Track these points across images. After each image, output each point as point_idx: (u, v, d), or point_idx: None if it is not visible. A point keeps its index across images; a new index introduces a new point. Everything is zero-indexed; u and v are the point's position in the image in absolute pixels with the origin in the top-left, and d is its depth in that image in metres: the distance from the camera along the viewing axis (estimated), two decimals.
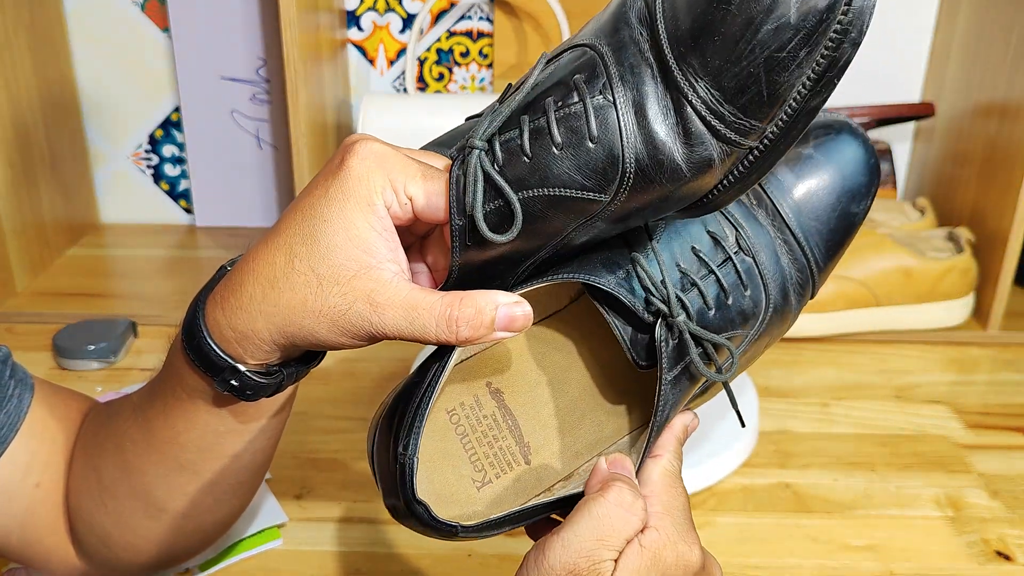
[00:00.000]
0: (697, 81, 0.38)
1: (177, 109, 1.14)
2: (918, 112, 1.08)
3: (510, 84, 0.43)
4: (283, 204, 1.17)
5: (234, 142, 1.14)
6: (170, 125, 1.15)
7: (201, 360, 0.45)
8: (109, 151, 1.16)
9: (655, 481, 0.45)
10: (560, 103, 0.40)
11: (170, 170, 1.18)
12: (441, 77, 1.12)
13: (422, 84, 1.13)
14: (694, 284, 0.46)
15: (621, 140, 0.39)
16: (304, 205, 0.42)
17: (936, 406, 0.83)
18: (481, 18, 1.09)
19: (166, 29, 1.10)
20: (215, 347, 0.44)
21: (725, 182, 0.41)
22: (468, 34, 1.10)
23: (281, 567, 0.63)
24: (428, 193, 0.41)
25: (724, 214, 0.49)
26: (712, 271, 0.47)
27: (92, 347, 0.86)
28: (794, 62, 0.38)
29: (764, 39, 0.37)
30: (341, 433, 0.77)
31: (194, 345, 0.45)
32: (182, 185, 1.18)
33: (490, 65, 1.11)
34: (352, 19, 1.10)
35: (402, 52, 1.12)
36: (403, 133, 1.02)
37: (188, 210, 1.19)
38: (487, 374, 0.49)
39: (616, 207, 0.41)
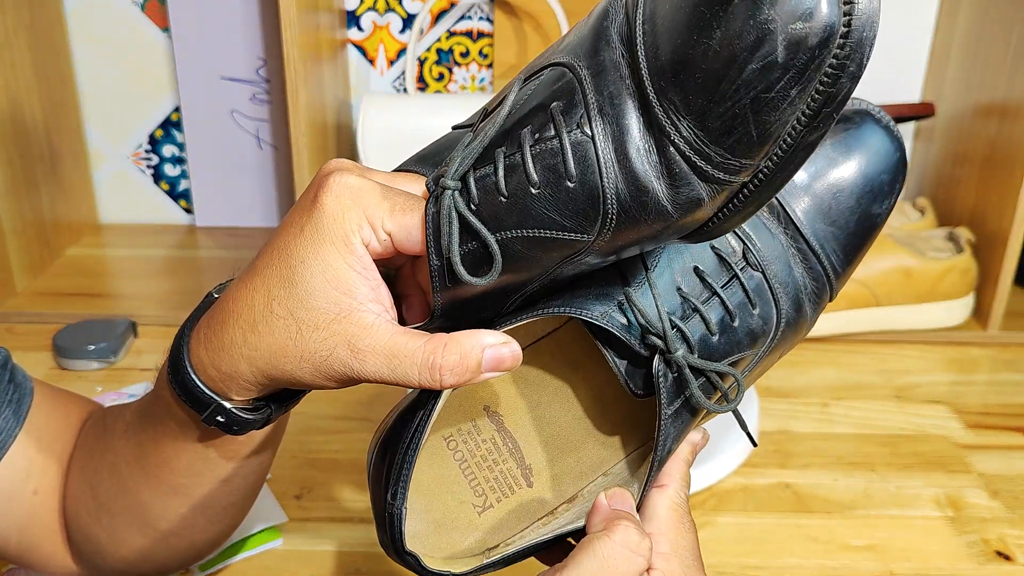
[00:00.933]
0: (680, 120, 0.35)
1: (177, 109, 1.14)
2: (918, 112, 1.08)
3: (485, 108, 0.41)
4: (283, 204, 1.17)
5: (234, 142, 1.14)
6: (170, 125, 1.15)
7: (187, 396, 0.43)
8: (109, 151, 1.16)
9: (661, 517, 0.43)
10: (536, 135, 0.37)
11: (170, 170, 1.18)
12: (441, 77, 1.12)
13: (422, 84, 1.13)
14: (695, 310, 0.43)
15: (601, 180, 0.36)
16: (280, 244, 0.40)
17: (936, 406, 0.83)
18: (481, 18, 1.09)
19: (166, 29, 1.10)
20: (200, 384, 0.43)
21: (721, 214, 0.38)
22: (468, 34, 1.10)
23: (281, 567, 0.63)
24: (406, 228, 0.39)
25: None
26: (716, 293, 0.44)
27: (92, 347, 0.86)
28: (785, 101, 0.34)
29: (750, 79, 0.33)
30: (341, 433, 0.77)
31: (179, 380, 0.44)
32: (182, 185, 1.18)
33: (490, 65, 1.11)
34: (352, 19, 1.10)
35: (402, 52, 1.12)
36: (403, 133, 1.02)
37: (188, 210, 1.19)
38: (484, 398, 0.48)
39: (602, 245, 0.38)
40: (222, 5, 1.07)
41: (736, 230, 0.46)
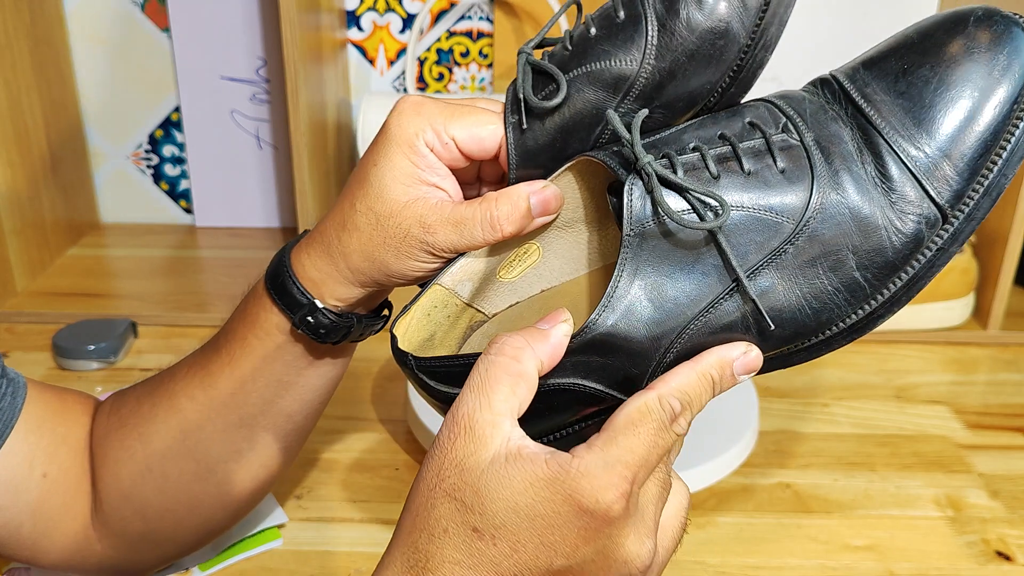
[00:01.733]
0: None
1: (177, 109, 1.14)
2: None
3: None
4: (283, 204, 1.17)
5: (234, 142, 1.14)
6: (170, 125, 1.15)
7: (283, 298, 0.50)
8: (109, 151, 1.16)
9: (616, 420, 0.38)
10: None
11: (170, 170, 1.18)
12: (441, 77, 1.12)
13: (422, 84, 1.13)
14: (697, 149, 0.41)
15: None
16: (361, 160, 0.48)
17: (936, 406, 0.84)
18: (481, 18, 1.09)
19: (166, 29, 1.10)
20: (298, 285, 0.50)
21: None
22: (468, 34, 1.10)
23: (281, 567, 0.63)
24: (468, 130, 0.46)
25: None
26: (729, 140, 0.41)
27: (92, 347, 0.86)
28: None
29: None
30: (341, 433, 0.77)
31: (278, 284, 0.51)
32: (182, 185, 1.18)
33: (490, 65, 1.11)
34: (352, 19, 1.10)
35: (402, 52, 1.12)
36: None
37: (188, 210, 1.19)
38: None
39: (647, 72, 0.44)
40: (222, 5, 1.07)
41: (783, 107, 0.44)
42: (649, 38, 0.42)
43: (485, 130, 0.46)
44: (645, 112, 0.41)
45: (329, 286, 0.49)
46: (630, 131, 0.40)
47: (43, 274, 1.04)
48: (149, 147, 1.16)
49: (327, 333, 0.50)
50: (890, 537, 0.67)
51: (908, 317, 0.93)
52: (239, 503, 0.57)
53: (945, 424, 0.81)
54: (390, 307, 0.54)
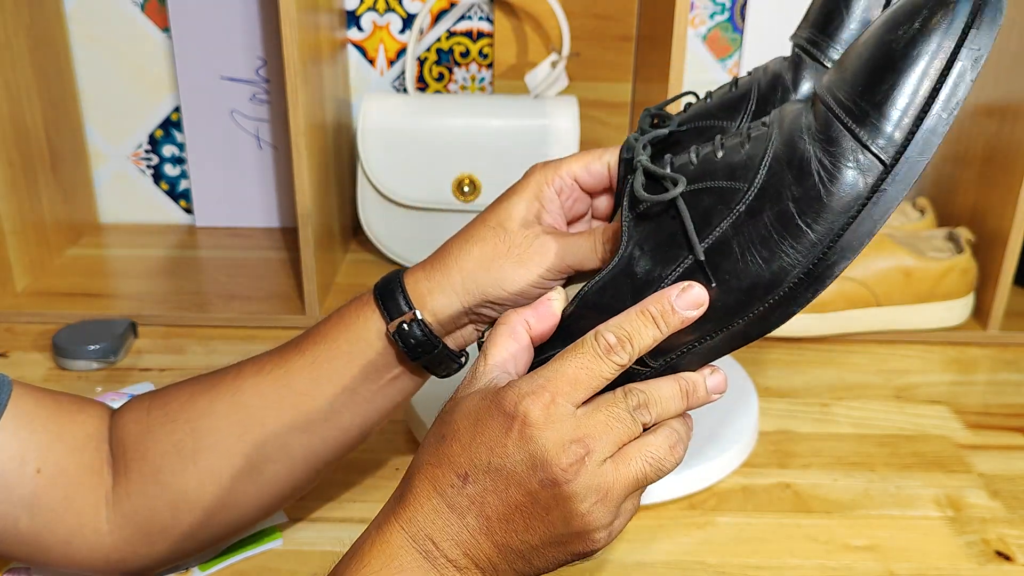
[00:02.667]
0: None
1: (177, 109, 1.14)
2: None
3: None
4: (283, 204, 1.17)
5: (234, 142, 1.14)
6: (170, 125, 1.15)
7: (387, 303, 0.55)
8: (109, 151, 1.16)
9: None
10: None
11: (170, 170, 1.18)
12: (441, 77, 1.12)
13: (422, 84, 1.13)
14: (695, 149, 0.48)
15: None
16: (495, 200, 0.55)
17: (936, 406, 0.84)
18: (481, 18, 1.09)
19: (166, 29, 1.10)
20: (405, 293, 0.55)
21: None
22: (468, 34, 1.10)
23: (281, 567, 0.63)
24: (585, 167, 0.54)
25: None
26: (720, 138, 0.48)
27: (92, 347, 0.86)
28: None
29: None
30: None
31: (387, 291, 0.55)
32: (182, 185, 1.18)
33: (490, 65, 1.11)
34: (352, 19, 1.10)
35: (402, 52, 1.12)
36: (403, 133, 1.02)
37: (188, 210, 1.19)
38: None
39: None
40: (222, 5, 1.07)
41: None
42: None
43: (599, 162, 0.54)
44: (664, 131, 0.52)
45: (434, 296, 0.54)
46: (641, 137, 0.50)
47: (43, 274, 1.04)
48: (149, 147, 1.16)
49: (415, 346, 0.55)
50: (890, 537, 0.67)
51: (908, 317, 0.93)
52: (271, 507, 0.58)
53: (945, 424, 0.81)
54: (467, 356, 0.59)
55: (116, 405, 0.77)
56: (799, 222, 0.43)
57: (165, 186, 1.18)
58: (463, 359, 0.59)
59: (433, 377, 0.59)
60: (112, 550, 0.55)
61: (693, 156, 0.47)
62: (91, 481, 0.55)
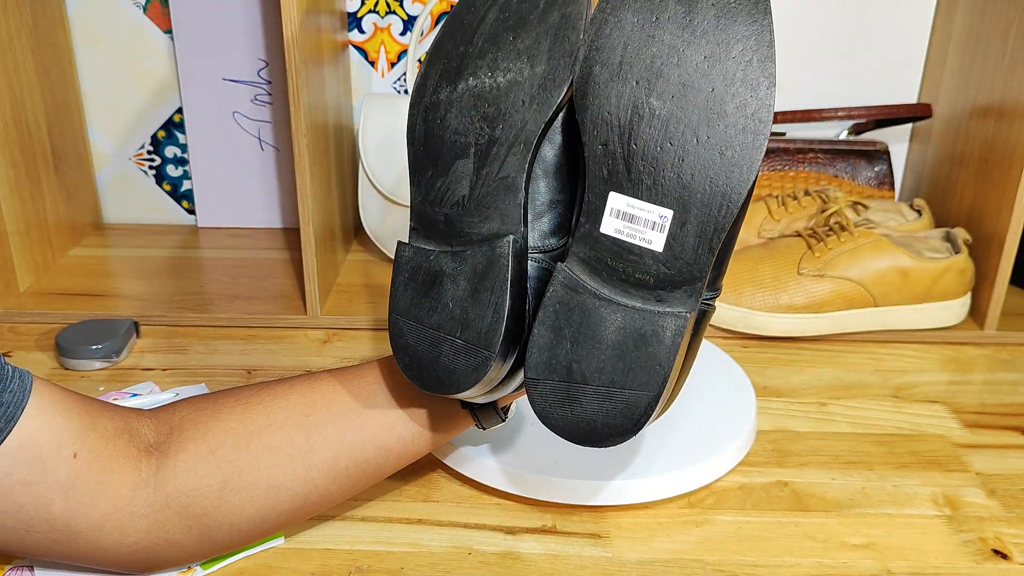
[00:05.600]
0: None
1: (179, 110, 1.15)
2: (915, 113, 1.08)
3: None
4: (285, 205, 1.18)
5: (236, 143, 1.14)
6: (172, 126, 1.16)
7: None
8: (112, 152, 1.17)
9: None
10: None
11: (172, 171, 1.18)
12: None
13: None
14: None
15: None
16: None
17: (933, 405, 0.84)
18: None
19: (168, 31, 1.11)
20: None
21: None
22: None
23: (282, 564, 0.63)
24: None
25: None
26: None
27: (95, 347, 0.86)
28: None
29: None
30: None
31: None
32: (184, 186, 1.19)
33: None
34: (353, 21, 1.11)
35: (403, 54, 1.12)
36: (403, 134, 1.02)
37: (190, 211, 1.20)
38: None
39: None
40: (224, 7, 1.08)
41: None
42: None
43: None
44: None
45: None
46: None
47: (46, 274, 1.04)
48: (151, 148, 1.17)
49: (485, 416, 0.61)
50: (887, 536, 0.68)
51: (905, 317, 0.94)
52: (309, 501, 0.61)
53: (942, 423, 0.81)
54: (511, 412, 0.65)
55: (119, 405, 0.78)
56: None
57: (167, 187, 1.19)
58: (507, 415, 0.63)
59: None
60: (144, 535, 0.56)
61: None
62: (126, 467, 0.56)
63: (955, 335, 0.95)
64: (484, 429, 0.63)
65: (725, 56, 0.48)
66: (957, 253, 0.94)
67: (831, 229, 0.95)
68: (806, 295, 0.92)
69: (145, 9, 1.10)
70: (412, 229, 0.56)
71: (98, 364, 0.87)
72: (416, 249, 0.56)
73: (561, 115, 0.54)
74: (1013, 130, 0.91)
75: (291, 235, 1.16)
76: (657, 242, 0.50)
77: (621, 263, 0.51)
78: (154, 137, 1.16)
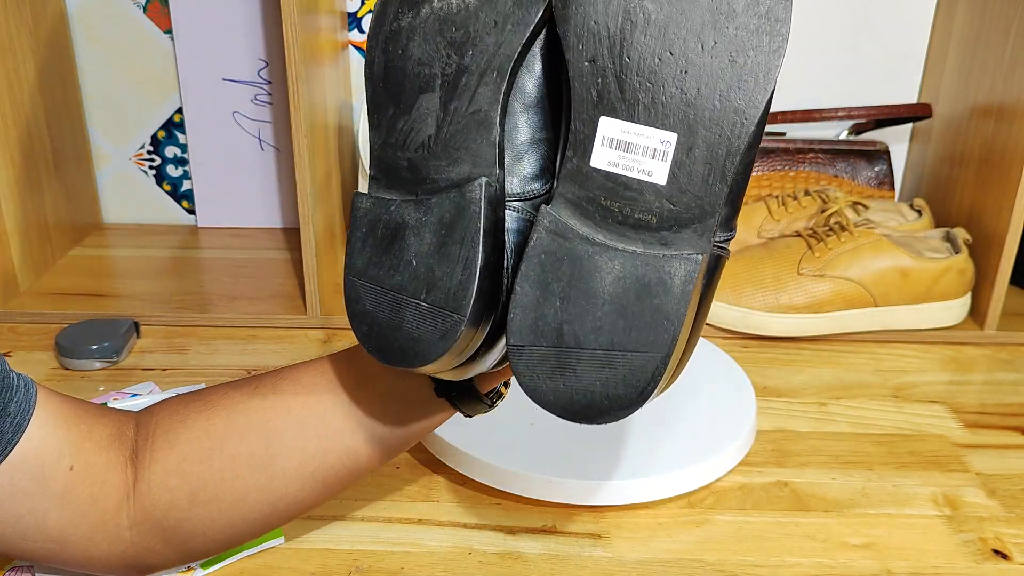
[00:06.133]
0: None
1: (179, 110, 1.15)
2: (915, 113, 1.08)
3: None
4: (285, 205, 1.17)
5: (236, 143, 1.14)
6: (172, 126, 1.16)
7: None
8: (112, 152, 1.17)
9: None
10: None
11: (172, 171, 1.18)
12: None
13: None
14: None
15: None
16: None
17: (933, 405, 0.84)
18: None
19: (168, 31, 1.11)
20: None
21: None
22: None
23: (282, 564, 0.63)
24: None
25: None
26: None
27: (95, 347, 0.86)
28: None
29: None
30: None
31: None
32: (184, 186, 1.19)
33: None
34: (354, 21, 1.11)
35: None
36: None
37: (190, 211, 1.20)
38: None
39: None
40: (224, 7, 1.08)
41: None
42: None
43: None
44: None
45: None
46: None
47: (46, 274, 1.04)
48: (151, 148, 1.17)
49: (447, 383, 0.55)
50: (887, 536, 0.68)
51: (905, 317, 0.94)
52: (274, 512, 0.58)
53: (942, 423, 0.81)
54: (500, 399, 0.59)
55: (119, 405, 0.78)
56: None
57: (167, 187, 1.19)
58: (494, 401, 0.58)
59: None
60: (130, 546, 0.56)
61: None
62: (115, 479, 0.56)
63: (955, 335, 0.95)
64: (469, 416, 0.58)
65: None
66: (957, 253, 0.94)
67: (831, 229, 0.95)
68: (806, 295, 0.92)
69: (145, 9, 1.10)
70: (372, 179, 0.49)
71: (98, 364, 0.87)
72: (375, 200, 0.48)
73: (542, 37, 0.47)
74: (1013, 130, 0.91)
75: (291, 235, 1.16)
76: (659, 173, 0.42)
77: (617, 202, 0.43)
78: (154, 137, 1.16)
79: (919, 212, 1.01)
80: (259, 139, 1.14)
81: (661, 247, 0.43)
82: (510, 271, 0.47)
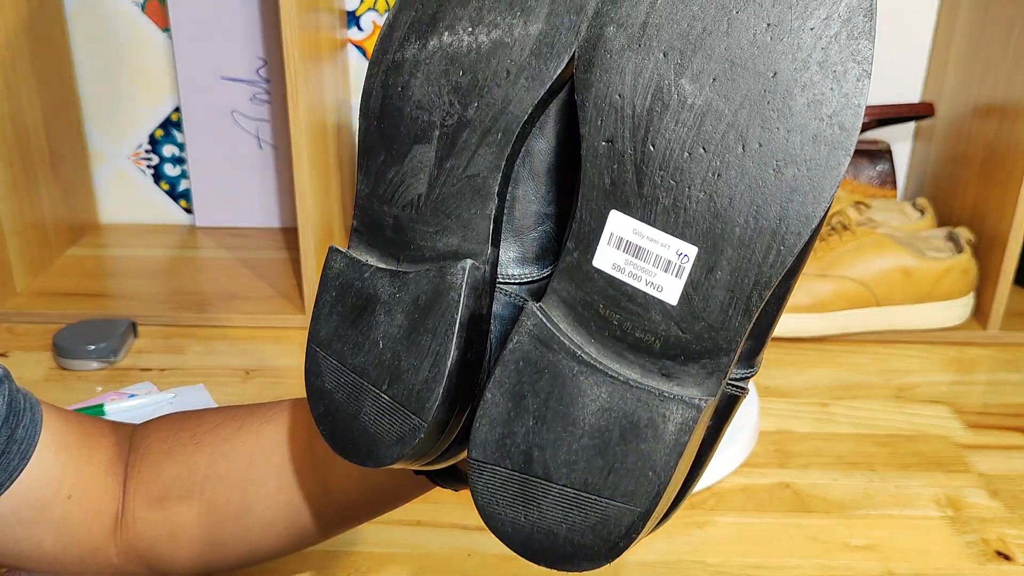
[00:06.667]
0: None
1: (177, 109, 1.14)
2: (918, 112, 1.08)
3: None
4: (283, 204, 1.17)
5: (234, 142, 1.14)
6: (170, 125, 1.15)
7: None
8: (109, 151, 1.16)
9: None
10: None
11: (170, 170, 1.18)
12: None
13: None
14: None
15: None
16: None
17: (936, 406, 0.84)
18: None
19: (166, 29, 1.10)
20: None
21: None
22: None
23: (282, 566, 0.63)
24: None
25: None
26: None
27: (92, 347, 0.86)
28: None
29: None
30: None
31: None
32: (182, 185, 1.18)
33: None
34: (352, 19, 1.10)
35: None
36: None
37: (188, 210, 1.20)
38: None
39: None
40: (222, 5, 1.07)
41: None
42: None
43: None
44: None
45: None
46: None
47: (43, 274, 1.04)
48: (149, 147, 1.16)
49: (445, 478, 0.49)
50: (890, 537, 0.67)
51: (908, 317, 0.93)
52: (257, 557, 0.57)
53: (945, 424, 0.81)
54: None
55: (116, 406, 0.78)
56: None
57: (165, 186, 1.18)
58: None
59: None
60: (117, 570, 0.56)
61: None
62: (109, 507, 0.55)
63: (958, 335, 0.95)
64: (455, 491, 0.51)
65: (799, 26, 0.33)
66: (960, 253, 0.93)
67: (833, 228, 0.94)
68: (808, 295, 0.91)
69: (143, 7, 1.10)
70: (353, 230, 0.43)
71: (96, 364, 0.87)
72: (349, 261, 0.42)
73: (561, 96, 0.39)
74: (1016, 129, 0.91)
75: (290, 235, 1.15)
76: (670, 290, 0.35)
77: (618, 313, 0.36)
78: (152, 136, 1.16)
79: (922, 211, 1.01)
80: (258, 138, 1.14)
81: (661, 378, 0.36)
82: (490, 366, 0.41)
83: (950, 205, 1.04)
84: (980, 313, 0.96)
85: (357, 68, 1.12)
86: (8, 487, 0.50)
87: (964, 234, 0.95)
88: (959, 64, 1.03)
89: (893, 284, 0.92)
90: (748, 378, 0.40)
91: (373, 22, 1.10)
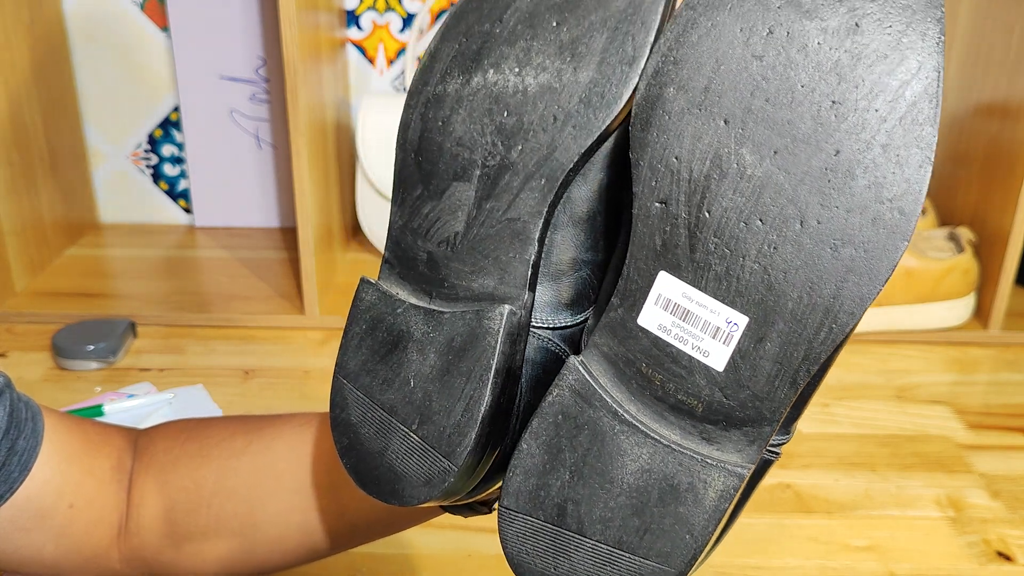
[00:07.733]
0: None
1: (176, 109, 1.14)
2: None
3: None
4: (282, 203, 1.17)
5: (233, 142, 1.14)
6: (169, 125, 1.15)
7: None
8: (108, 151, 1.16)
9: None
10: None
11: (169, 170, 1.17)
12: None
13: None
14: None
15: None
16: None
17: (937, 406, 0.83)
18: None
19: (165, 28, 1.10)
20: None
21: None
22: None
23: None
24: None
25: None
26: None
27: (91, 347, 0.86)
28: None
29: None
30: None
31: None
32: (181, 185, 1.18)
33: None
34: (352, 18, 1.10)
35: (402, 51, 1.12)
36: None
37: (187, 210, 1.19)
38: None
39: None
40: (222, 5, 1.07)
41: None
42: None
43: None
44: None
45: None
46: None
47: (42, 274, 1.04)
48: (148, 147, 1.16)
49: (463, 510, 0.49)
50: (891, 537, 0.67)
51: (909, 317, 0.93)
52: (265, 570, 0.57)
53: (946, 424, 0.81)
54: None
55: (115, 406, 0.78)
56: None
57: (164, 186, 1.18)
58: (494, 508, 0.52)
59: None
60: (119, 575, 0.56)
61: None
62: (111, 516, 0.55)
63: (959, 335, 0.95)
64: (466, 517, 0.50)
65: (865, 106, 0.32)
66: (961, 252, 0.93)
67: None
68: None
69: (143, 7, 1.09)
70: (385, 262, 0.42)
71: (95, 364, 0.86)
72: (381, 294, 0.42)
73: (608, 145, 0.39)
74: (1018, 129, 0.91)
75: (289, 235, 1.15)
76: (717, 356, 0.35)
77: (661, 374, 0.36)
78: (151, 136, 1.16)
79: (923, 211, 1.01)
80: (257, 137, 1.14)
81: (702, 442, 0.36)
82: (520, 410, 0.41)
83: (951, 205, 1.03)
84: (981, 313, 0.96)
85: (356, 68, 1.12)
86: (8, 498, 0.50)
87: (965, 234, 0.94)
88: (960, 64, 1.03)
89: (894, 284, 0.92)
90: (784, 444, 0.40)
91: (373, 21, 1.10)
